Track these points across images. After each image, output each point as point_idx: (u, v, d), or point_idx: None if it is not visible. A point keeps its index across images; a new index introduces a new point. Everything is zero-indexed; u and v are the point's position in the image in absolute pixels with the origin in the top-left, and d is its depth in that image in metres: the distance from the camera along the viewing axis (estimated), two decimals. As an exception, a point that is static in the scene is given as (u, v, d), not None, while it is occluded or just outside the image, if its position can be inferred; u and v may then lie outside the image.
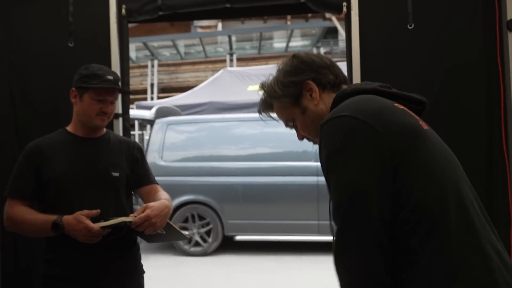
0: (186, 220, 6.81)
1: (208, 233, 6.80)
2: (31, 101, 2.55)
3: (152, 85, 14.54)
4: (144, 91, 14.38)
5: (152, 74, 14.63)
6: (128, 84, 2.59)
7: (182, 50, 15.45)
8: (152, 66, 14.72)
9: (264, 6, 2.59)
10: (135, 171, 1.98)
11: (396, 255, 1.04)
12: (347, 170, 1.04)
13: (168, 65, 15.43)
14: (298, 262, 6.36)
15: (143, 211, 1.73)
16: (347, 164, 1.04)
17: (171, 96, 11.22)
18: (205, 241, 6.80)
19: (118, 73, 2.44)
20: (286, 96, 1.30)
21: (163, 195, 1.93)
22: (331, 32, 16.05)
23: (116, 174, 1.89)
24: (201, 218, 6.82)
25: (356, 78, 2.38)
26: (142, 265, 1.99)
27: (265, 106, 1.40)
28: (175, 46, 14.74)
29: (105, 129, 1.98)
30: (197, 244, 6.81)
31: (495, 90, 2.28)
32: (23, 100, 2.56)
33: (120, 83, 2.05)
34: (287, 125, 1.39)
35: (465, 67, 2.32)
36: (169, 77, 15.18)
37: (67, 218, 1.69)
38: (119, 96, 2.44)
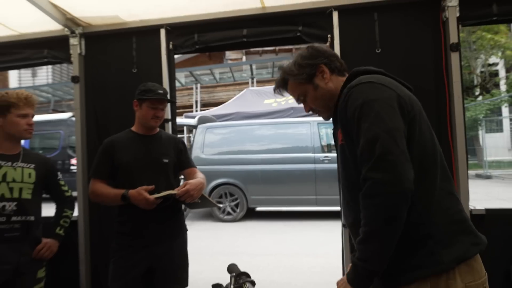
0: (220, 196, 6.82)
1: (236, 205, 6.81)
2: (106, 110, 2.58)
3: (196, 101, 14.66)
4: (190, 106, 14.51)
5: (196, 94, 14.75)
6: (174, 97, 2.59)
7: (217, 76, 15.54)
8: (196, 88, 14.83)
9: (271, 38, 2.57)
10: (180, 158, 1.98)
11: None
12: (383, 113, 1.01)
13: (207, 87, 15.51)
14: (301, 225, 6.33)
15: (184, 187, 1.75)
16: (383, 109, 1.02)
17: (209, 109, 11.27)
18: (234, 211, 6.81)
19: (167, 89, 2.46)
20: (301, 75, 1.26)
21: (200, 175, 1.94)
22: (325, 60, 15.83)
23: (166, 160, 1.90)
24: (231, 195, 6.82)
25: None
26: (185, 225, 1.99)
27: (281, 83, 1.34)
28: (212, 74, 14.85)
29: (158, 129, 2.00)
30: (228, 213, 6.82)
31: (442, 98, 2.21)
32: (101, 109, 2.59)
33: (168, 96, 2.06)
34: (297, 100, 1.34)
35: (420, 80, 2.20)
36: (208, 96, 15.25)
37: (131, 191, 1.71)
38: (168, 105, 2.49)
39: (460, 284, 1.00)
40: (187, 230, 1.99)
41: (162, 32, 2.51)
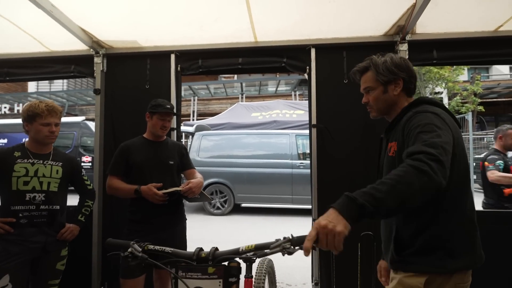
0: (212, 194, 6.85)
1: (225, 202, 6.85)
2: (122, 119, 2.64)
3: (193, 111, 14.63)
4: (188, 115, 14.46)
5: (193, 105, 14.73)
6: (180, 110, 2.68)
7: (212, 91, 15.57)
8: (194, 100, 14.81)
9: (261, 67, 2.69)
10: (182, 161, 2.07)
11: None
12: (443, 135, 0.97)
13: (203, 99, 15.52)
14: (279, 220, 6.41)
15: (187, 184, 1.85)
16: (443, 133, 0.98)
17: (204, 118, 11.31)
18: (223, 206, 6.85)
19: (175, 104, 2.55)
20: (383, 75, 1.20)
21: (199, 175, 2.03)
22: (304, 82, 16.18)
23: (171, 162, 1.98)
24: (221, 192, 6.87)
25: (314, 112, 2.45)
26: (185, 215, 2.07)
27: (362, 69, 1.26)
28: (208, 88, 14.90)
29: (165, 136, 2.08)
30: (218, 208, 6.86)
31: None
32: (118, 119, 2.65)
33: (174, 109, 2.15)
34: (364, 89, 1.27)
35: None
36: (203, 107, 15.26)
37: (143, 187, 1.79)
38: (174, 117, 2.58)
39: (452, 284, 1.02)
40: (186, 219, 2.07)
41: (172, 56, 2.61)
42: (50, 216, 1.79)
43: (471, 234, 1.07)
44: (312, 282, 2.51)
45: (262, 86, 15.55)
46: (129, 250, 1.03)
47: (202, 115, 14.43)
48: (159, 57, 2.64)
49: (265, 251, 0.94)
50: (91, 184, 2.05)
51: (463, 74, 12.18)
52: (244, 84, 14.90)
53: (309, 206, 2.53)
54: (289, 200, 6.64)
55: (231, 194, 6.81)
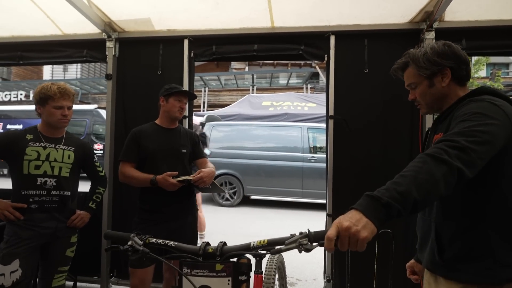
0: (221, 185, 6.76)
1: (234, 193, 6.81)
2: (134, 106, 2.58)
3: (204, 102, 14.59)
4: (199, 106, 14.44)
5: (204, 96, 14.68)
6: (196, 97, 2.60)
7: (223, 82, 15.48)
8: (205, 91, 14.76)
9: (277, 54, 2.58)
10: (194, 150, 2.00)
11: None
12: (490, 127, 0.86)
13: (214, 91, 15.45)
14: (288, 213, 6.34)
15: (199, 173, 1.78)
16: (492, 126, 0.87)
17: (215, 109, 11.25)
18: (232, 198, 6.82)
19: (187, 89, 2.47)
20: (426, 69, 1.07)
21: (210, 165, 1.96)
22: (315, 76, 15.93)
23: (184, 150, 1.92)
24: (230, 184, 6.82)
25: (331, 103, 2.35)
26: (196, 205, 2.02)
27: (402, 66, 1.14)
28: (219, 80, 14.81)
29: (178, 123, 2.01)
30: (227, 199, 6.83)
31: (416, 111, 2.21)
32: (129, 104, 2.60)
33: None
34: (407, 86, 1.15)
35: (398, 99, 2.25)
36: (214, 98, 15.20)
37: (159, 177, 1.73)
38: (187, 104, 2.50)
39: None
40: (197, 210, 2.01)
41: (186, 42, 2.53)
42: (61, 202, 1.75)
43: None
44: (324, 278, 2.43)
45: (274, 78, 15.38)
46: (129, 243, 0.96)
47: (212, 106, 14.37)
48: (172, 42, 2.56)
49: (280, 247, 0.85)
50: (103, 171, 2.00)
51: (482, 69, 11.73)
52: (255, 76, 14.76)
53: (319, 200, 2.45)
54: (299, 193, 6.56)
55: (241, 185, 6.76)
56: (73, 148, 1.82)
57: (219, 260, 0.89)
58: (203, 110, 13.84)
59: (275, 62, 16.88)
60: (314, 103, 8.89)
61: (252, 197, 7.26)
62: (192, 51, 2.54)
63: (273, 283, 1.54)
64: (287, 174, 6.57)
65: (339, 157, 2.35)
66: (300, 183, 6.47)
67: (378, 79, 2.32)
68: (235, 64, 17.88)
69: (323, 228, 2.44)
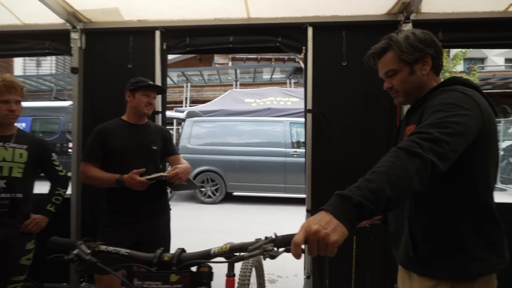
0: (203, 182, 6.70)
1: (216, 190, 6.72)
2: (103, 101, 2.44)
3: (186, 98, 14.32)
4: (181, 102, 14.15)
5: (186, 92, 14.41)
6: (166, 91, 2.49)
7: (205, 77, 15.25)
8: (187, 86, 14.48)
9: (254, 46, 2.50)
10: (166, 146, 1.91)
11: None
12: (463, 118, 0.83)
13: (196, 86, 15.19)
14: (271, 209, 6.33)
15: (174, 170, 1.70)
16: (465, 117, 0.84)
17: (197, 105, 11.06)
18: (214, 195, 6.73)
19: (159, 83, 2.36)
20: (409, 54, 1.02)
21: (184, 161, 1.88)
22: (299, 70, 15.94)
23: (155, 147, 1.82)
24: (212, 180, 6.72)
25: (309, 96, 2.30)
26: (169, 205, 1.92)
27: (380, 51, 1.08)
28: (201, 75, 14.58)
29: (147, 119, 1.90)
30: (209, 197, 6.73)
31: (394, 106, 2.22)
32: (98, 100, 2.45)
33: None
34: (386, 73, 1.09)
35: (376, 92, 2.19)
36: (196, 94, 14.93)
37: (125, 176, 1.63)
38: (160, 99, 2.39)
39: None
40: (170, 209, 1.92)
41: (157, 33, 2.41)
42: (12, 205, 1.61)
43: (496, 233, 0.95)
44: (304, 275, 2.40)
45: (257, 73, 15.28)
46: (75, 252, 0.86)
47: (195, 102, 14.11)
48: (143, 33, 2.43)
49: (242, 254, 0.78)
50: (64, 170, 1.86)
51: (460, 64, 12.07)
52: (238, 71, 14.59)
53: (302, 195, 2.40)
54: (281, 189, 6.55)
55: (223, 182, 6.68)
56: (25, 146, 1.68)
57: (175, 269, 0.81)
58: (186, 106, 13.61)
59: (259, 57, 16.76)
60: (297, 98, 8.88)
61: (235, 193, 7.20)
62: (165, 43, 2.43)
63: (248, 285, 1.48)
64: (269, 169, 6.54)
65: (318, 152, 2.31)
66: (283, 179, 6.46)
67: (356, 72, 2.28)
68: (218, 59, 17.65)
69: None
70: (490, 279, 0.94)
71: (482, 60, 17.21)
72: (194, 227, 4.91)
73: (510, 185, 8.31)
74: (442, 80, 1.08)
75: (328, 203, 0.69)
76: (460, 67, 13.17)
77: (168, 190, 1.95)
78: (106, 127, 1.78)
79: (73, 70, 2.42)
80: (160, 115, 2.41)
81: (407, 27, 2.20)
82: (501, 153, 8.70)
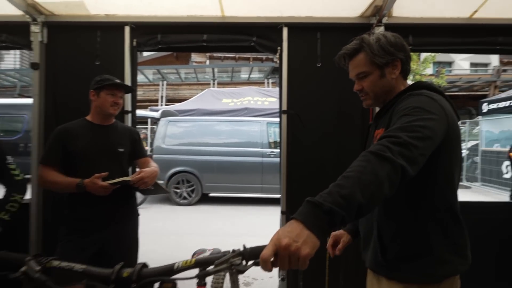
0: (178, 183, 6.57)
1: (192, 191, 6.60)
2: (67, 98, 2.28)
3: (161, 96, 13.99)
4: (156, 100, 13.83)
5: (162, 90, 14.08)
6: (136, 90, 2.38)
7: (182, 76, 14.95)
8: (162, 84, 14.15)
9: (229, 45, 2.46)
10: (134, 148, 1.82)
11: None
12: (430, 123, 0.84)
13: (173, 84, 14.87)
14: (248, 210, 6.31)
15: (139, 173, 1.61)
16: (431, 121, 0.85)
17: (173, 104, 10.81)
18: (190, 196, 6.60)
19: (129, 83, 2.27)
20: (381, 57, 1.02)
21: (153, 164, 1.80)
22: (277, 70, 15.93)
23: (121, 150, 1.73)
24: (188, 181, 6.59)
25: (284, 97, 2.29)
26: (137, 210, 1.83)
27: (352, 52, 1.07)
28: (178, 73, 14.27)
29: (114, 119, 1.80)
30: (184, 198, 6.59)
31: (366, 109, 2.25)
32: (62, 98, 2.29)
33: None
34: (356, 75, 1.09)
35: (350, 94, 2.24)
36: (173, 92, 14.62)
37: (87, 181, 1.53)
38: (129, 98, 2.29)
39: None
40: (138, 215, 1.83)
41: (127, 29, 2.29)
42: None
43: (459, 234, 0.98)
44: (278, 277, 2.39)
45: (235, 72, 15.19)
46: (23, 269, 0.78)
47: (171, 100, 13.81)
48: (112, 29, 2.31)
49: (208, 269, 0.73)
50: (21, 174, 1.72)
51: (429, 67, 12.65)
52: (216, 70, 14.44)
53: (279, 196, 2.38)
54: (258, 189, 6.54)
55: (199, 183, 6.56)
56: None
57: (136, 286, 0.75)
58: (161, 105, 13.28)
59: (237, 56, 16.68)
60: (275, 98, 8.90)
61: (211, 194, 7.11)
62: (135, 40, 2.32)
63: (220, 292, 1.43)
64: (246, 170, 6.51)
65: (293, 153, 2.30)
66: (260, 179, 6.45)
67: (330, 73, 2.30)
68: (195, 57, 17.39)
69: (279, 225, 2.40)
70: (454, 281, 0.96)
71: (449, 63, 18.13)
72: (168, 230, 4.78)
73: (475, 182, 8.80)
74: (409, 84, 1.10)
75: (299, 210, 0.67)
76: (429, 70, 13.79)
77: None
78: (68, 128, 1.67)
79: (33, 66, 2.26)
80: (129, 114, 2.30)
81: (379, 30, 2.25)
82: (466, 152, 9.20)
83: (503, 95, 7.39)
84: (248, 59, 16.66)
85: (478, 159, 8.59)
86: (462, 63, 18.14)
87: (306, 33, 2.32)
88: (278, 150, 6.47)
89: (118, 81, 1.71)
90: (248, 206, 6.58)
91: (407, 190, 0.93)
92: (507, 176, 7.49)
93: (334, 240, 1.24)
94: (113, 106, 1.68)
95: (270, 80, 14.43)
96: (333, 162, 2.28)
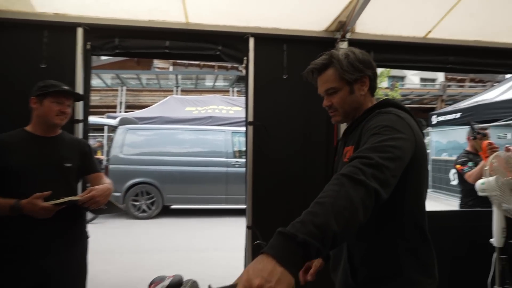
0: (137, 195, 6.20)
1: (152, 203, 6.26)
2: (6, 106, 2.01)
3: (120, 102, 13.34)
4: (114, 107, 13.14)
5: (121, 96, 13.43)
6: (88, 98, 2.18)
7: (144, 81, 14.43)
8: (122, 90, 13.51)
9: (193, 53, 2.36)
10: (85, 162, 1.63)
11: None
12: (399, 142, 0.83)
13: (133, 90, 14.26)
14: (212, 222, 6.14)
15: (89, 192, 1.43)
16: (400, 140, 0.84)
17: (134, 111, 10.31)
18: (149, 209, 6.25)
19: (81, 90, 2.07)
20: (350, 73, 1.01)
21: (106, 180, 1.61)
22: (242, 79, 16.04)
23: (68, 164, 1.53)
24: (148, 193, 6.25)
25: (250, 108, 2.25)
26: (86, 232, 1.63)
27: (321, 66, 1.05)
28: (139, 79, 13.74)
29: (60, 130, 1.60)
30: (143, 211, 6.23)
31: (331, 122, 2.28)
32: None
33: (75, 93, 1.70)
34: (325, 91, 1.07)
35: (315, 107, 2.22)
36: (133, 98, 14.02)
37: (24, 202, 1.32)
38: (81, 106, 2.09)
39: None
40: (88, 237, 1.63)
41: (79, 31, 2.11)
42: None
43: (428, 254, 0.97)
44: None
45: (199, 80, 14.96)
46: None
47: (131, 107, 13.20)
48: (62, 29, 2.11)
49: None
50: None
51: (385, 81, 13.53)
52: (179, 77, 14.13)
53: (244, 206, 2.30)
54: (223, 200, 6.40)
55: (160, 195, 6.26)
56: None
57: None
58: (120, 112, 12.63)
59: (201, 63, 16.48)
60: (240, 107, 8.89)
61: (173, 206, 6.83)
62: (89, 43, 2.13)
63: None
64: (210, 180, 6.35)
65: (259, 165, 2.25)
66: (224, 189, 6.33)
67: (296, 85, 2.30)
68: (158, 63, 16.87)
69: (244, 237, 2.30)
70: None
71: (402, 78, 19.56)
72: (124, 247, 4.44)
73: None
74: (376, 100, 1.11)
75: (270, 243, 0.61)
76: (384, 84, 14.76)
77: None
78: (2, 140, 1.45)
79: (-35, 67, 1.98)
80: (81, 124, 2.09)
81: (343, 45, 2.30)
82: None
83: (449, 108, 8.07)
84: (213, 66, 16.54)
85: (429, 167, 9.27)
86: (413, 78, 19.71)
87: (273, 44, 2.31)
88: (243, 160, 6.45)
89: (65, 87, 1.53)
90: (212, 218, 6.40)
91: (377, 211, 0.91)
92: (454, 183, 8.13)
93: (306, 265, 1.19)
94: (59, 116, 1.50)
95: (235, 89, 14.43)
96: (300, 173, 2.26)
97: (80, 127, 2.09)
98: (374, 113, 0.98)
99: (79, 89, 2.08)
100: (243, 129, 6.68)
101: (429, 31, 2.38)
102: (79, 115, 2.09)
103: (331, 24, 2.29)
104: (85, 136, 2.11)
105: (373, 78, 1.07)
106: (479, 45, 2.47)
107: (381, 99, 1.08)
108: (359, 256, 0.97)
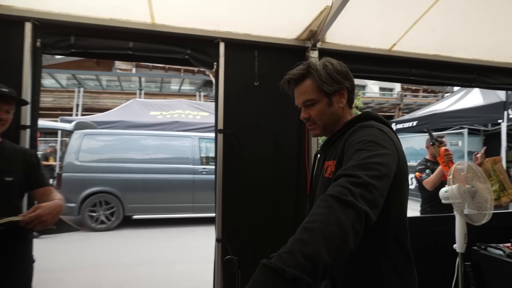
0: (94, 205, 5.75)
1: (112, 214, 5.86)
2: None
3: (77, 105, 12.49)
4: (70, 109, 12.29)
5: (78, 98, 12.58)
6: (38, 100, 1.95)
7: (104, 83, 13.70)
8: (79, 92, 12.68)
9: (159, 56, 2.23)
10: (30, 176, 1.43)
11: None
12: (384, 154, 0.82)
13: (91, 92, 13.46)
14: (177, 231, 5.88)
15: (34, 210, 1.25)
16: (385, 151, 0.83)
17: (93, 114, 9.70)
18: (109, 220, 5.84)
19: (29, 94, 1.85)
20: (329, 85, 0.99)
21: (56, 196, 1.43)
22: (209, 83, 15.90)
23: (9, 178, 1.34)
24: (107, 203, 5.83)
25: (220, 115, 2.16)
26: (32, 256, 1.44)
27: (299, 77, 1.02)
28: (98, 80, 13.01)
29: (0, 139, 1.41)
30: (102, 222, 5.80)
31: (304, 127, 2.27)
32: None
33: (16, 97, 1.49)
34: (303, 102, 1.04)
35: (286, 115, 2.25)
36: (91, 101, 13.23)
37: None
38: (29, 110, 1.86)
39: None
40: (34, 261, 1.44)
41: (28, 26, 1.88)
42: None
43: (409, 272, 0.95)
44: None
45: (164, 83, 14.56)
46: None
47: (89, 110, 12.43)
48: (6, 23, 1.88)
49: None
50: None
51: (348, 89, 14.15)
52: (143, 79, 13.62)
53: (212, 214, 2.20)
54: (189, 208, 6.18)
55: (120, 204, 5.88)
56: None
57: None
58: (76, 115, 11.83)
59: (167, 66, 16.03)
60: (207, 112, 8.73)
61: (135, 216, 6.47)
62: (39, 40, 1.91)
63: None
64: (176, 188, 6.10)
65: (229, 174, 2.16)
66: (191, 197, 6.12)
67: (267, 93, 2.26)
68: (119, 64, 16.11)
69: (214, 256, 2.18)
70: None
71: (363, 87, 20.61)
72: (79, 263, 4.07)
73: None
74: (354, 112, 1.10)
75: (255, 280, 0.53)
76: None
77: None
78: None
79: None
80: (27, 130, 1.86)
81: (314, 54, 2.31)
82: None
83: (407, 116, 8.59)
84: (179, 70, 16.18)
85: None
86: (373, 87, 20.84)
87: (244, 50, 2.25)
88: (210, 167, 6.28)
89: (5, 90, 1.34)
90: (177, 228, 6.13)
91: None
92: (412, 187, 8.65)
93: None
94: None
95: (202, 94, 14.21)
96: (271, 183, 2.21)
97: (27, 133, 1.86)
98: (356, 127, 0.96)
99: (27, 90, 1.86)
100: (211, 135, 6.61)
101: (394, 44, 2.47)
102: (26, 120, 1.86)
103: (303, 33, 2.29)
104: (33, 144, 1.88)
105: (351, 90, 1.05)
106: (438, 59, 2.62)
107: (362, 112, 1.08)
108: (342, 277, 0.93)
